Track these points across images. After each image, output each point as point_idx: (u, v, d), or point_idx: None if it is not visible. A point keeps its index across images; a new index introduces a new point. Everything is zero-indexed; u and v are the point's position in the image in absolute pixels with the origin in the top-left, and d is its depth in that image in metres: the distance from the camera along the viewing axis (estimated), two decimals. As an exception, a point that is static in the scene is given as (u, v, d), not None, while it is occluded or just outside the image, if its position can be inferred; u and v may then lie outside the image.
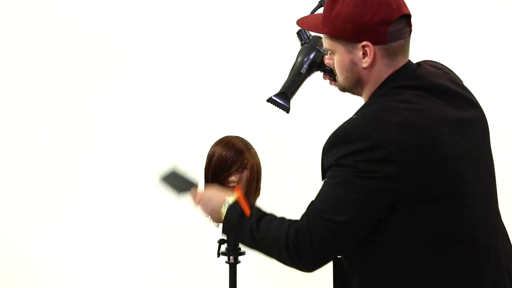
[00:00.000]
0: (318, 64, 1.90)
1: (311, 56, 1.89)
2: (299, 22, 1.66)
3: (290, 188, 3.01)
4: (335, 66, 1.56)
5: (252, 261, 2.55)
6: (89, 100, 3.09)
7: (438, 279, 1.44)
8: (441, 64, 1.65)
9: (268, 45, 3.05)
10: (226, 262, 2.20)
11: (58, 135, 3.08)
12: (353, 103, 1.63)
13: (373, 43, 1.47)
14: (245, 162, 2.14)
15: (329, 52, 1.59)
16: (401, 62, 1.52)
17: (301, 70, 1.88)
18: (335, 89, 2.49)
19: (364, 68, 1.50)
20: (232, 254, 2.19)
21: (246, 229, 1.55)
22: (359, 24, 1.45)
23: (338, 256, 1.63)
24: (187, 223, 3.05)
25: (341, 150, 1.41)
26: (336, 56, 1.54)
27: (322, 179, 1.53)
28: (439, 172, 1.41)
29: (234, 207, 1.60)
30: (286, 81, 1.91)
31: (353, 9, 1.46)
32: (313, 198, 1.67)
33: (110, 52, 3.09)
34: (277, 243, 1.49)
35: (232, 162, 2.14)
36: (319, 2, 1.95)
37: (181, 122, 3.09)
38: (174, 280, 3.07)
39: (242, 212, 1.58)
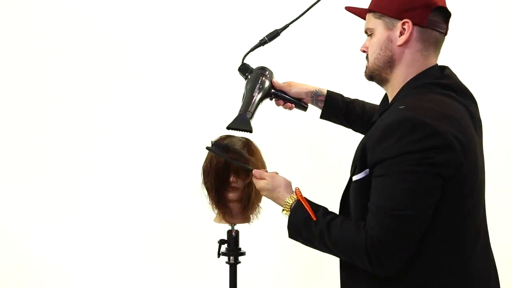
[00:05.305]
0: (267, 88, 2.07)
1: (259, 80, 2.07)
2: (347, 8, 1.72)
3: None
4: (369, 49, 1.60)
5: (252, 261, 2.55)
6: (88, 100, 3.09)
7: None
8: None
9: (268, 46, 3.04)
10: (226, 263, 2.19)
11: (58, 135, 3.08)
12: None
13: (413, 23, 1.52)
14: (246, 162, 2.12)
15: (365, 40, 1.63)
16: (432, 59, 1.56)
17: (252, 93, 2.03)
18: (339, 90, 2.49)
19: (399, 46, 1.53)
20: (232, 255, 2.18)
21: (315, 235, 1.54)
22: (404, 2, 1.52)
23: None
24: (187, 223, 3.05)
25: (394, 141, 1.38)
26: (375, 35, 1.57)
27: (352, 174, 1.53)
28: (471, 165, 1.45)
29: (298, 210, 1.60)
30: (241, 106, 2.02)
31: None
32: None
33: (110, 53, 3.09)
34: (355, 254, 1.46)
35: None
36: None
37: (181, 121, 3.09)
38: (174, 280, 3.07)
39: (307, 216, 1.57)
